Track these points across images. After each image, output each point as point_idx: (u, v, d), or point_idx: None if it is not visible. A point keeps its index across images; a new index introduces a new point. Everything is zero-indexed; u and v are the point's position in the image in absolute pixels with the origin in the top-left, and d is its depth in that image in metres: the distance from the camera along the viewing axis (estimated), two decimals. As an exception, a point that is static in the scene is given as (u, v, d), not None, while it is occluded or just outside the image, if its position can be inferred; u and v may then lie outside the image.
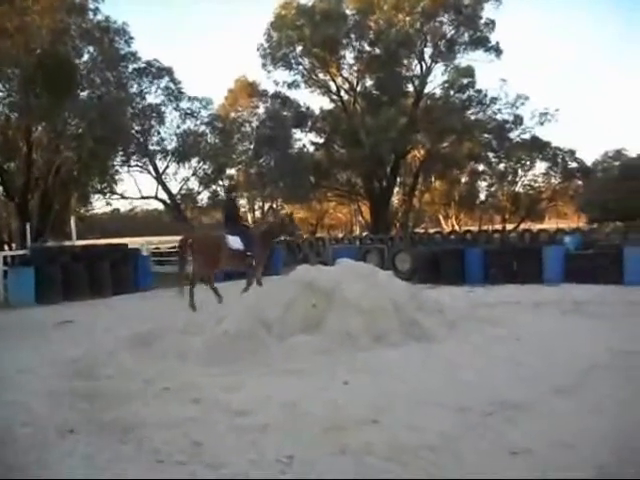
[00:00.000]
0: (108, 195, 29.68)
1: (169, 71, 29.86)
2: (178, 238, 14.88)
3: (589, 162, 44.07)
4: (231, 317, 8.48)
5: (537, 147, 40.66)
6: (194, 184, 32.71)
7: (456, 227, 45.49)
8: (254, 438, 4.78)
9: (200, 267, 12.36)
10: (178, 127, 30.83)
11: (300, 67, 36.10)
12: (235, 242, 12.27)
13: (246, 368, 7.08)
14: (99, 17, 25.06)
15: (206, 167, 31.78)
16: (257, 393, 6.02)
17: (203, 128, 31.50)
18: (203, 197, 33.58)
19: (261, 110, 36.63)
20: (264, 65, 35.58)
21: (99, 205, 31.53)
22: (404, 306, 8.66)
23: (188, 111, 30.87)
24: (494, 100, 37.65)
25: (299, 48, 34.93)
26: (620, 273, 15.09)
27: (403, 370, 6.73)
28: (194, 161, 31.54)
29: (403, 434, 4.75)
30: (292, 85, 36.59)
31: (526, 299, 12.32)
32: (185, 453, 4.53)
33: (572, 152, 42.11)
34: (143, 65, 28.77)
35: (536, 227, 42.07)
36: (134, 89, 28.74)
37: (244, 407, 5.56)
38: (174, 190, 31.95)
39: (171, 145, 30.63)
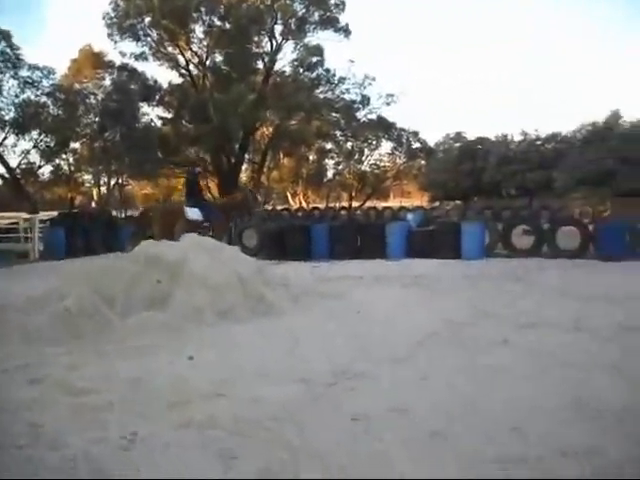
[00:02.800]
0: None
1: (6, 35, 27.83)
2: (19, 215, 14.45)
3: (432, 143, 45.92)
4: (73, 294, 8.20)
5: (383, 127, 41.68)
6: (35, 158, 31.14)
7: (304, 204, 46.09)
8: (97, 416, 4.67)
9: (157, 236, 12.20)
10: (17, 96, 29.10)
11: (148, 39, 35.00)
12: (194, 213, 12.80)
13: (89, 346, 6.89)
14: None
15: (48, 140, 30.25)
16: (101, 371, 5.88)
17: (45, 99, 29.88)
18: (45, 171, 32.05)
19: (107, 82, 35.32)
20: (110, 35, 34.32)
21: None
22: (250, 281, 8.74)
23: (28, 80, 29.11)
24: (342, 80, 38.28)
25: (147, 19, 33.81)
26: (458, 248, 15.95)
27: (248, 344, 6.82)
28: (35, 133, 29.93)
29: (247, 406, 4.81)
30: (140, 57, 35.46)
31: (369, 274, 12.74)
32: (24, 436, 4.35)
33: (416, 133, 43.56)
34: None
35: (381, 205, 43.37)
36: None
37: (87, 385, 5.41)
38: (13, 164, 30.24)
39: (9, 115, 28.93)
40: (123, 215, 32.84)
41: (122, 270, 8.74)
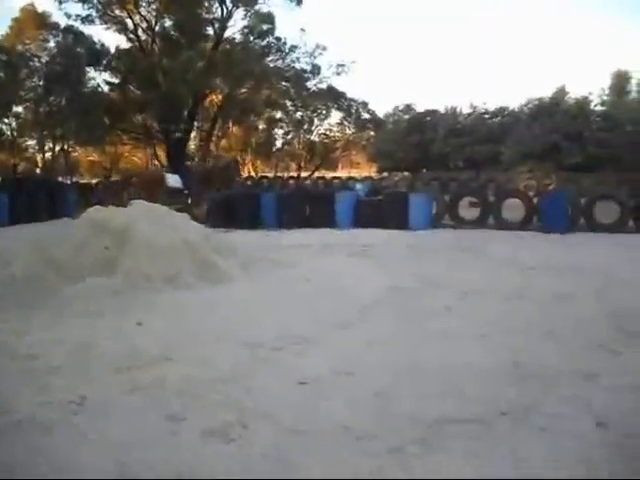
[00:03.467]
0: None
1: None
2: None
3: (382, 115, 46.01)
4: (19, 260, 8.11)
5: (333, 97, 41.57)
6: (-25, 121, 30.14)
7: (252, 173, 45.87)
8: (45, 381, 4.66)
9: None
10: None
11: (95, 0, 33.79)
12: (174, 181, 12.94)
13: (36, 312, 6.84)
14: None
15: (-12, 103, 29.44)
16: (48, 336, 5.84)
17: (-16, 60, 29.01)
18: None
19: (52, 44, 34.16)
20: (55, -6, 33.00)
21: None
22: (198, 248, 8.73)
23: (-35, 39, 28.14)
24: (293, 48, 37.90)
25: (95, -22, 32.78)
26: (405, 219, 16.14)
27: (197, 310, 6.85)
28: (-26, 95, 28.98)
29: (196, 370, 4.87)
30: (86, 20, 33.95)
31: (317, 243, 12.84)
32: (-32, 402, 4.33)
33: (365, 104, 43.54)
34: None
35: (330, 175, 43.44)
36: None
37: (34, 351, 5.38)
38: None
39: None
40: (69, 182, 32.25)
41: (69, 236, 8.66)
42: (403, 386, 4.50)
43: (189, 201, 12.76)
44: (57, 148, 37.43)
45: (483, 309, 6.91)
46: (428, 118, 42.18)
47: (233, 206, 17.32)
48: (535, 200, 16.67)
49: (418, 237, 13.86)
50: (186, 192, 12.77)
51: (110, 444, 3.61)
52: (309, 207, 17.14)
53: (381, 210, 16.43)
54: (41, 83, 31.22)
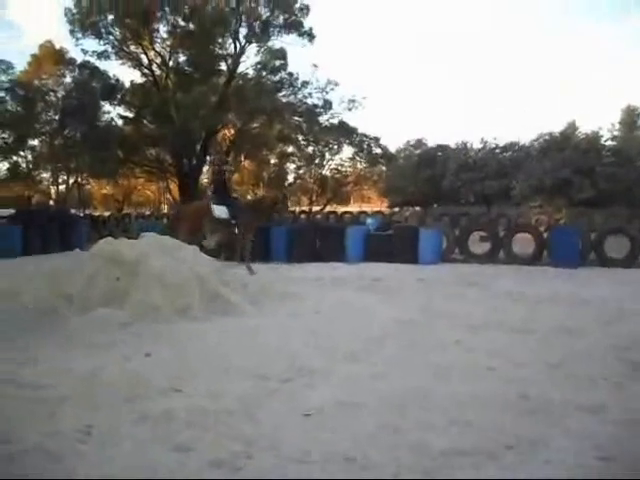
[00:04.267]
0: None
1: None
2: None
3: (393, 149, 46.29)
4: (30, 290, 8.19)
5: (344, 132, 41.92)
6: (-8, 155, 30.57)
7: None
8: (51, 410, 4.67)
9: (184, 234, 12.53)
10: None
11: (111, 37, 34.61)
12: (221, 211, 12.90)
13: (45, 342, 6.87)
14: None
15: (5, 136, 29.84)
16: (56, 366, 5.86)
17: (2, 94, 29.50)
18: (1, 168, 31.60)
19: (68, 79, 34.95)
20: (72, 32, 33.68)
21: None
22: (208, 280, 8.80)
23: (-15, 74, 28.69)
24: (305, 84, 38.49)
25: (110, 17, 33.44)
26: (415, 253, 16.20)
27: (205, 342, 6.87)
28: (-8, 129, 29.44)
29: (203, 401, 4.89)
30: (102, 55, 34.93)
31: (327, 276, 12.87)
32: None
33: (377, 139, 43.87)
34: None
35: (341, 209, 43.61)
36: None
37: (41, 381, 5.38)
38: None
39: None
40: (82, 214, 32.55)
41: (80, 268, 8.75)
42: (409, 418, 4.51)
43: (236, 231, 12.97)
44: (71, 181, 37.81)
45: (491, 342, 6.91)
46: (439, 153, 42.41)
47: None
48: (545, 235, 16.69)
49: (427, 271, 13.89)
50: (233, 222, 12.91)
51: (117, 472, 3.64)
52: (319, 241, 17.21)
53: (391, 244, 16.48)
54: (57, 117, 31.68)
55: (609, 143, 36.51)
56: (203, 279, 8.76)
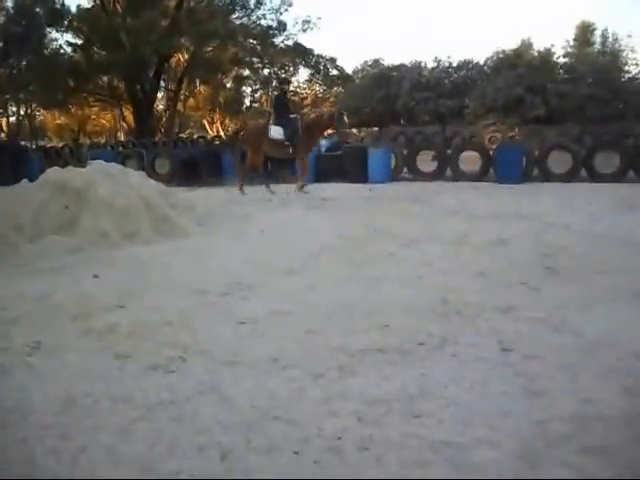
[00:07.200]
0: None
1: None
2: None
3: (350, 70, 46.01)
4: (-22, 220, 8.35)
5: (300, 54, 41.57)
6: None
7: (221, 132, 45.78)
8: (3, 330, 4.95)
9: (249, 154, 13.84)
10: None
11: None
12: (277, 132, 13.19)
13: (-4, 269, 7.14)
14: None
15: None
16: (7, 290, 6.13)
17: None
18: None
19: (9, 4, 33.68)
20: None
21: None
22: (155, 204, 9.04)
23: None
24: (258, 5, 37.78)
25: None
26: (365, 172, 16.53)
27: (151, 263, 7.16)
28: None
29: (145, 315, 5.22)
30: (44, -23, 33.70)
31: (276, 196, 13.15)
32: None
33: (333, 60, 43.65)
34: None
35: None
36: None
37: (-6, 304, 5.68)
38: None
39: None
40: (33, 146, 32.06)
41: (29, 197, 8.90)
42: (334, 323, 4.90)
43: (290, 152, 13.15)
44: (22, 113, 37.09)
45: (423, 254, 7.31)
46: (394, 73, 42.23)
47: (196, 164, 17.62)
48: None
49: (375, 190, 14.23)
50: (287, 144, 13.03)
51: (60, 379, 3.97)
52: (270, 162, 17.30)
53: (342, 164, 16.76)
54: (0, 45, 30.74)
55: (562, 60, 36.81)
56: (150, 203, 9.00)
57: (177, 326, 4.95)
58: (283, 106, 13.87)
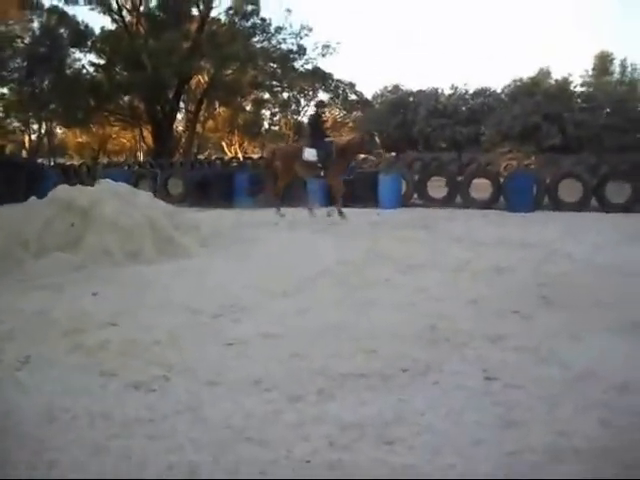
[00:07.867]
0: None
1: None
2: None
3: (369, 95, 46.27)
4: (-16, 236, 8.49)
5: (319, 78, 41.93)
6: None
7: (239, 154, 46.13)
8: (-3, 344, 5.06)
9: (280, 176, 14.02)
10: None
11: (78, -20, 33.87)
12: (310, 154, 13.29)
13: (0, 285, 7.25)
14: None
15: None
16: (8, 306, 6.22)
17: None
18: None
19: (35, 25, 34.23)
20: (37, -26, 32.99)
21: None
22: (160, 225, 9.13)
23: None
24: (279, 29, 38.30)
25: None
26: (376, 198, 16.66)
27: (150, 282, 7.25)
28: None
29: (137, 333, 5.27)
30: (70, 0, 34.36)
31: (284, 220, 13.23)
32: None
33: (352, 85, 44.06)
34: None
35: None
36: None
37: (-9, 319, 5.76)
38: None
39: None
40: (52, 163, 32.45)
41: (36, 214, 9.03)
42: (320, 347, 4.92)
43: (321, 173, 13.36)
44: (43, 130, 37.59)
45: (419, 280, 7.32)
46: (411, 99, 42.43)
47: (209, 186, 17.75)
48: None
49: (383, 215, 14.27)
50: (319, 166, 13.20)
51: (43, 394, 4.04)
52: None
53: (353, 189, 16.81)
54: (25, 64, 31.20)
55: (580, 89, 36.83)
56: (155, 224, 9.10)
57: (165, 345, 5.00)
58: (318, 129, 13.97)
